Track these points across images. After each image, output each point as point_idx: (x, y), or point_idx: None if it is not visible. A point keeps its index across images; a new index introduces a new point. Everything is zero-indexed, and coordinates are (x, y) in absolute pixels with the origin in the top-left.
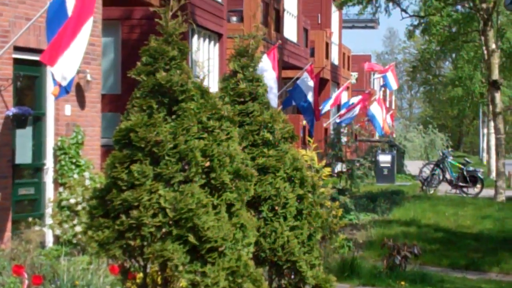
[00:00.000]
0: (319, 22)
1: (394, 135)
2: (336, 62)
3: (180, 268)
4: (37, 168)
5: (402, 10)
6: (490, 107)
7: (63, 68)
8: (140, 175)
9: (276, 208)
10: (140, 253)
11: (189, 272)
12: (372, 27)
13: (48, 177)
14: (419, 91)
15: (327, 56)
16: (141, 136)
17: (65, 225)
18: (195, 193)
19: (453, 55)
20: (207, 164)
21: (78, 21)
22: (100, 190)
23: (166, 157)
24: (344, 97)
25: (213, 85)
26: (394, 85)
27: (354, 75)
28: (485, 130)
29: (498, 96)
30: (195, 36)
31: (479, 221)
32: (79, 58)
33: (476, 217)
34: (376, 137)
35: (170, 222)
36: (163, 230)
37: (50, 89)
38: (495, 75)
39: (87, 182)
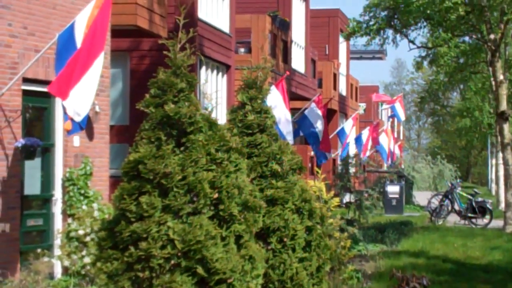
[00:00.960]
0: (327, 53)
1: (403, 166)
2: (344, 93)
3: None
4: (45, 199)
5: (410, 41)
6: (499, 138)
7: (76, 104)
8: (149, 207)
9: (285, 239)
10: (149, 284)
11: None
12: (380, 58)
13: (57, 208)
14: (427, 121)
15: (335, 87)
16: (149, 168)
17: (74, 256)
18: (204, 225)
19: (461, 86)
20: (216, 195)
21: (89, 55)
22: (109, 221)
23: (175, 189)
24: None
25: (221, 116)
26: (402, 116)
27: (363, 106)
28: (494, 161)
29: (506, 127)
30: (203, 68)
31: (488, 252)
32: (92, 94)
33: (485, 248)
34: (384, 167)
35: (179, 254)
36: (172, 261)
37: (59, 120)
38: (503, 106)
39: (96, 213)
